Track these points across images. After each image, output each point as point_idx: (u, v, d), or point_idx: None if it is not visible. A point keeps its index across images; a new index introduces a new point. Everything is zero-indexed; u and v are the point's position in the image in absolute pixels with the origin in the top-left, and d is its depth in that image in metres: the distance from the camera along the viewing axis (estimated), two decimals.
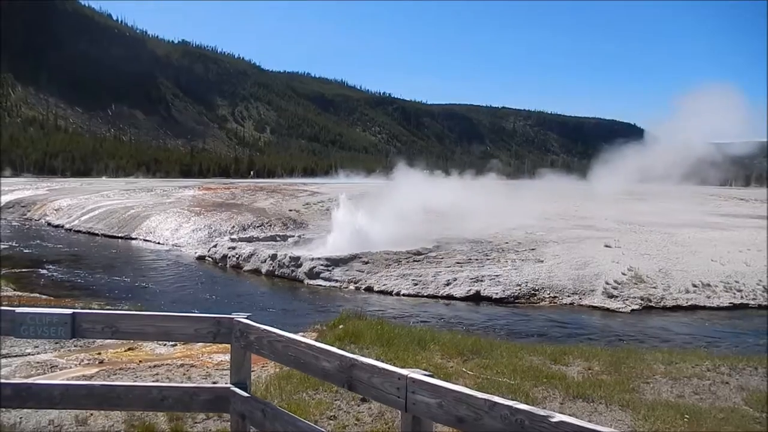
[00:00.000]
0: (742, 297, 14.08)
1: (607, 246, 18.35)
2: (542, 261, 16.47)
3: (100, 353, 7.04)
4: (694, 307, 13.61)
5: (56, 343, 7.16)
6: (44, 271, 17.20)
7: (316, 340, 6.39)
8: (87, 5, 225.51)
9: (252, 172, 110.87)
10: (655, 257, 16.82)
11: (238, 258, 18.40)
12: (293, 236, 22.31)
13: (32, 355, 6.73)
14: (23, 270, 17.05)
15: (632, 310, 13.39)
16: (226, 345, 3.54)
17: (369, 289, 15.29)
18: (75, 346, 7.30)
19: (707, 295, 14.14)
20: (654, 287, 14.38)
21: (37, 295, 13.07)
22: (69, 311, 3.30)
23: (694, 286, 14.47)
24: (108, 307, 11.53)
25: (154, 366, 6.29)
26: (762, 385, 5.95)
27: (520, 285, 14.72)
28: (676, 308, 13.57)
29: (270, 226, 24.91)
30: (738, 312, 13.44)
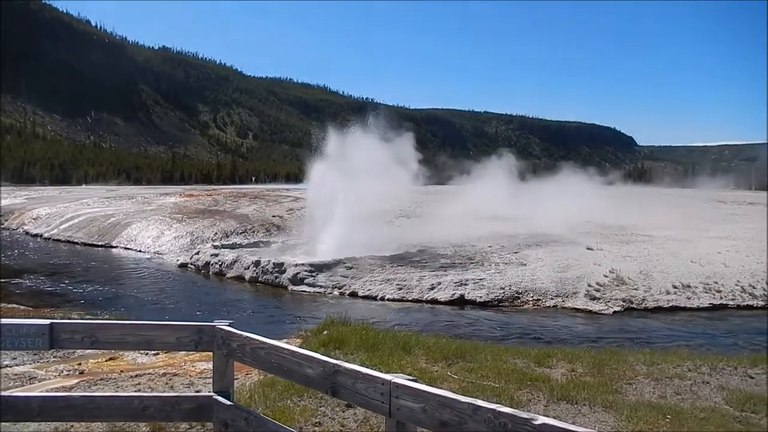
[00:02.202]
0: (721, 297, 14.29)
1: (589, 248, 18.53)
2: (525, 264, 16.58)
3: (80, 363, 6.93)
4: (674, 308, 13.79)
5: (35, 354, 7.04)
6: (22, 281, 16.90)
7: (300, 347, 6.35)
8: (65, 11, 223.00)
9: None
10: (636, 259, 17.02)
11: (221, 265, 18.25)
12: (277, 242, 22.21)
13: (10, 367, 6.60)
14: (0, 280, 16.73)
15: (614, 311, 13.53)
16: (209, 353, 3.51)
17: (353, 295, 15.26)
18: (54, 356, 7.18)
19: (687, 296, 14.34)
20: (635, 289, 14.55)
21: (15, 305, 12.83)
22: (47, 322, 3.25)
23: (675, 287, 14.67)
24: (88, 316, 11.36)
25: (136, 375, 6.21)
26: (742, 384, 6.04)
27: (503, 288, 14.79)
28: (658, 309, 13.73)
29: (253, 232, 24.76)
30: (717, 312, 13.64)
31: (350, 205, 19.35)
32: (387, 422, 2.39)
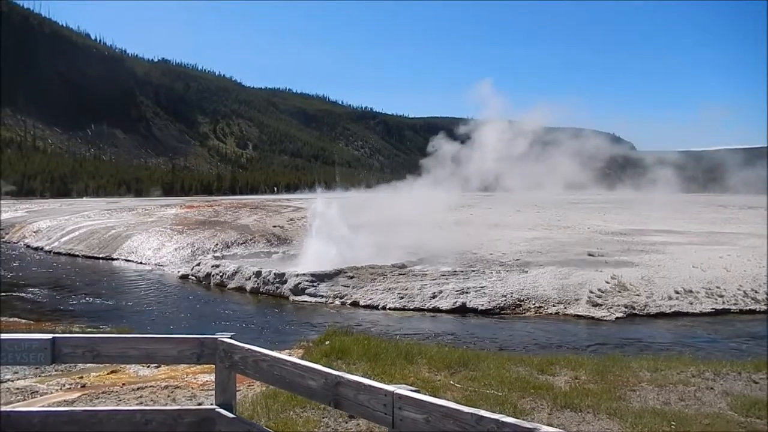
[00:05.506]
0: (723, 302, 14.25)
1: (590, 255, 18.52)
2: (527, 271, 16.55)
3: (82, 377, 6.92)
4: (677, 314, 13.75)
5: (36, 368, 7.01)
6: (23, 295, 16.87)
7: (302, 357, 6.34)
8: (65, 25, 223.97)
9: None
10: (637, 265, 17.00)
11: (222, 276, 18.23)
12: (278, 252, 22.20)
13: (11, 381, 6.58)
14: (1, 294, 16.70)
15: (617, 318, 13.49)
16: (211, 365, 3.50)
17: (355, 304, 15.23)
18: (56, 370, 7.16)
19: (689, 301, 14.29)
20: (637, 295, 14.51)
21: (17, 319, 12.82)
22: (49, 336, 3.24)
23: (677, 292, 14.63)
24: (89, 330, 11.34)
25: (138, 389, 6.19)
26: (746, 389, 6.02)
27: (505, 296, 14.76)
28: (660, 315, 13.69)
29: (254, 242, 24.75)
30: (720, 317, 13.60)
31: None
32: None
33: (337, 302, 15.46)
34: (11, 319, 12.58)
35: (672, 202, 38.60)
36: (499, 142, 25.45)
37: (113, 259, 24.96)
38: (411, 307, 14.67)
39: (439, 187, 25.72)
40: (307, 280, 16.28)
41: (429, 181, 26.38)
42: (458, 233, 23.71)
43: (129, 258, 24.67)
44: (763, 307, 14.07)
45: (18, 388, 6.26)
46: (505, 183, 28.02)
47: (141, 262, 23.75)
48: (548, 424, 1.92)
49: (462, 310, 14.36)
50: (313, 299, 15.73)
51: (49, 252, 27.81)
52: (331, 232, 20.01)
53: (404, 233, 21.89)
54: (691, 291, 14.70)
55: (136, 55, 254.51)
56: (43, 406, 5.35)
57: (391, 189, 29.34)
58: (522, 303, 14.51)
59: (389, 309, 14.70)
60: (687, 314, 13.74)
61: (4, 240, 33.25)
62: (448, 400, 2.20)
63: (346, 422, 4.82)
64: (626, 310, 13.81)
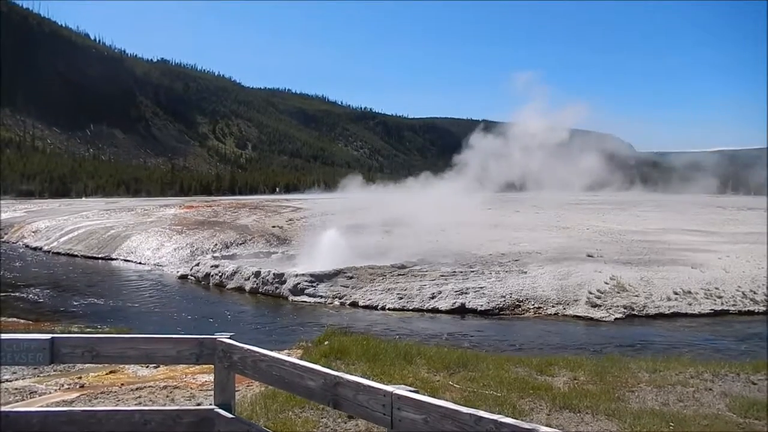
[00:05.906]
0: (722, 303, 14.27)
1: (589, 256, 18.52)
2: (526, 272, 16.55)
3: (80, 377, 6.91)
4: (676, 315, 13.77)
5: (35, 368, 7.00)
6: (22, 295, 16.86)
7: (301, 358, 6.34)
8: (64, 25, 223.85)
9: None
10: (636, 265, 17.00)
11: (221, 276, 18.23)
12: (277, 252, 22.19)
13: (10, 381, 6.57)
14: (0, 294, 16.69)
15: (616, 318, 13.50)
16: (210, 365, 3.50)
17: (354, 305, 15.23)
18: (55, 370, 7.15)
19: (688, 302, 14.31)
20: (636, 296, 14.53)
21: (15, 319, 12.81)
22: (47, 336, 3.24)
23: (675, 293, 14.64)
24: (88, 330, 11.33)
25: (137, 389, 6.18)
26: (744, 390, 6.02)
27: (504, 296, 14.77)
28: (659, 316, 13.71)
29: (253, 243, 24.74)
30: (719, 318, 13.61)
31: None
32: None
33: (336, 302, 15.46)
34: (10, 319, 12.57)
35: (682, 201, 38.71)
36: (541, 134, 25.09)
37: (112, 259, 24.95)
38: (410, 308, 14.68)
39: (473, 184, 25.67)
40: (306, 281, 16.29)
41: (463, 179, 26.18)
42: (459, 234, 23.69)
43: (128, 258, 24.66)
44: (762, 308, 14.10)
45: (17, 388, 6.25)
46: (538, 180, 27.95)
47: (140, 262, 23.74)
48: (547, 425, 1.92)
49: (461, 311, 14.37)
50: (312, 299, 15.73)
51: (48, 252, 27.78)
52: (330, 232, 20.03)
53: (405, 233, 21.90)
54: (689, 292, 14.72)
55: (136, 55, 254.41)
56: (41, 406, 5.35)
57: (419, 185, 29.12)
58: (521, 304, 14.52)
59: (388, 309, 14.70)
60: (686, 315, 13.76)
61: (3, 240, 33.21)
62: (446, 400, 2.20)
63: (345, 423, 4.82)
64: (625, 311, 13.83)
